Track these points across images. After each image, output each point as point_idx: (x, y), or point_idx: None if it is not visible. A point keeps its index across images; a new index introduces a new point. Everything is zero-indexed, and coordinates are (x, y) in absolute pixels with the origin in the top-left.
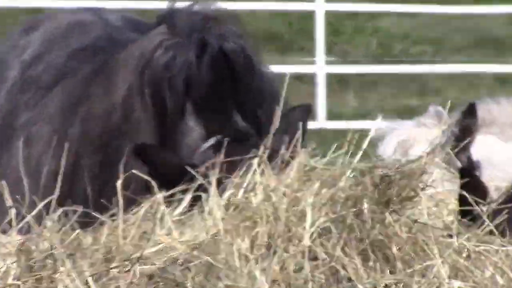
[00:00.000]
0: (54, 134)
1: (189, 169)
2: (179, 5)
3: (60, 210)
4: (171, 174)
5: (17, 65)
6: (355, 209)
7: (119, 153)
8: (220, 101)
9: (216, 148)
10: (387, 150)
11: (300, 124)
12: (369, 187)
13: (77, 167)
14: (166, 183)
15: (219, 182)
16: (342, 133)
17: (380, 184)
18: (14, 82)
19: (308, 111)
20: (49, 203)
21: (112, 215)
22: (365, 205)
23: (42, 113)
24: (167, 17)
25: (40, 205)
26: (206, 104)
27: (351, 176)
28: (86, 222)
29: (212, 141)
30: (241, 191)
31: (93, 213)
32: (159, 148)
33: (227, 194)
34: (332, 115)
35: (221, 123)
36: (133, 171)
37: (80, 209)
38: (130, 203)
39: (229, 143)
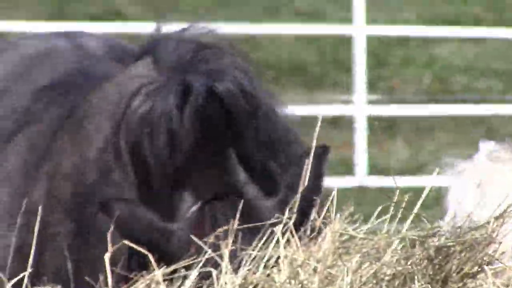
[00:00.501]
0: (13, 198)
1: (195, 239)
2: (171, 28)
3: None
4: (144, 236)
5: None
6: None
7: (96, 221)
8: (214, 156)
9: (207, 212)
10: (457, 198)
11: (317, 174)
12: (422, 261)
13: (45, 237)
14: (141, 247)
15: (233, 255)
16: (387, 192)
17: (435, 257)
18: None
19: (325, 155)
20: (20, 283)
21: None
22: (417, 284)
23: None
24: (152, 47)
25: (9, 285)
26: (195, 162)
27: (399, 247)
28: None
29: (199, 203)
30: (261, 266)
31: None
32: (130, 203)
33: (243, 270)
34: (375, 169)
35: (215, 183)
36: (125, 242)
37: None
38: (120, 282)
39: (222, 205)
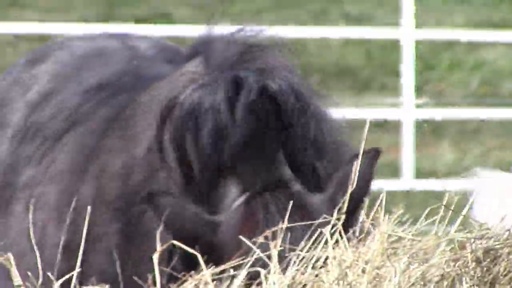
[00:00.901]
0: (62, 197)
1: (245, 239)
2: (220, 30)
3: None
4: (190, 229)
5: (20, 106)
6: None
7: (143, 221)
8: (262, 152)
9: (253, 205)
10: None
11: (367, 176)
12: (470, 263)
13: (91, 238)
14: (185, 241)
15: (281, 255)
16: (435, 195)
17: (483, 259)
18: (17, 129)
19: (376, 157)
20: (69, 282)
21: None
22: (465, 286)
23: (48, 170)
24: (202, 48)
25: (57, 284)
26: (243, 157)
27: (448, 249)
28: None
29: (246, 194)
30: (310, 266)
31: None
32: (176, 196)
33: (291, 270)
34: (422, 173)
35: (263, 177)
36: (173, 241)
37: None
38: (168, 283)
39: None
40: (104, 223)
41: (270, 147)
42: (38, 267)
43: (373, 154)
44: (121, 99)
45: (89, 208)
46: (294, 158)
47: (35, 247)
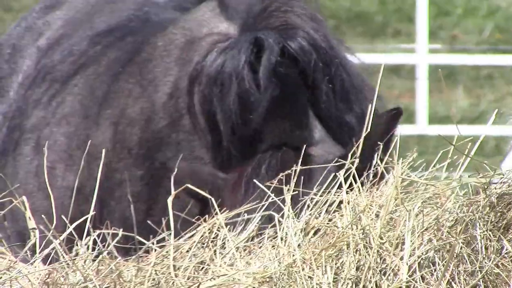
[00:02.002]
0: (71, 139)
1: (257, 183)
2: None
3: (96, 233)
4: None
5: (32, 52)
6: (465, 235)
7: (166, 167)
8: (290, 114)
9: (274, 159)
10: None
11: (389, 133)
12: (484, 208)
13: (110, 182)
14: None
15: (295, 200)
16: (448, 140)
17: (497, 204)
18: (28, 74)
19: (397, 117)
20: (79, 226)
21: (161, 240)
22: (478, 231)
23: (57, 111)
24: None
25: (71, 227)
26: (269, 121)
27: (461, 194)
28: (127, 249)
29: (270, 151)
30: (323, 211)
31: (137, 237)
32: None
33: (305, 215)
34: (436, 118)
35: (289, 137)
36: (188, 185)
37: (120, 232)
38: (184, 226)
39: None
40: (124, 170)
41: (297, 109)
42: (44, 207)
43: (394, 114)
44: (131, 42)
45: (103, 152)
46: (324, 114)
47: (48, 188)
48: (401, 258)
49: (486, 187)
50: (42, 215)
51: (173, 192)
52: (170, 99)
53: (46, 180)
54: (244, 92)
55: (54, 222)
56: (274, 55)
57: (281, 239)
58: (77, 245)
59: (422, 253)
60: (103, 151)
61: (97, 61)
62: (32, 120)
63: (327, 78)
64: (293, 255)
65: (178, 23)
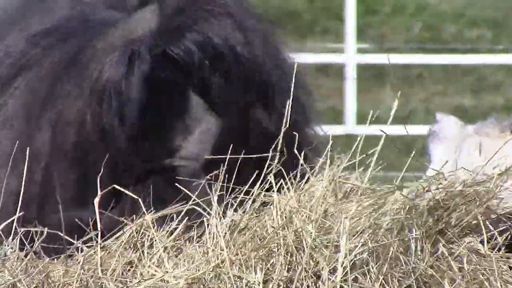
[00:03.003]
0: (14, 142)
1: (182, 188)
2: None
3: (21, 232)
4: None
5: None
6: (400, 237)
7: (97, 169)
8: (164, 123)
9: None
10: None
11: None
12: (421, 211)
13: (48, 186)
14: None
15: (223, 199)
16: (376, 140)
17: (435, 208)
18: None
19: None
20: (11, 226)
21: (89, 240)
22: (414, 233)
23: None
24: None
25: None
26: (145, 130)
27: (401, 197)
28: (57, 250)
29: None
30: (253, 210)
31: (65, 237)
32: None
33: (234, 213)
34: (363, 118)
35: (159, 153)
36: (115, 186)
37: (45, 231)
38: (112, 226)
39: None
40: (60, 174)
41: (174, 116)
42: None
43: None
44: (72, 44)
45: (43, 155)
46: (219, 103)
47: None
48: (336, 260)
49: (424, 191)
50: None
51: (99, 193)
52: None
53: None
54: (121, 102)
55: None
56: (144, 63)
57: (210, 238)
58: (5, 245)
59: (356, 255)
60: (33, 154)
61: (39, 63)
62: None
63: (220, 71)
64: (222, 256)
65: (119, 25)
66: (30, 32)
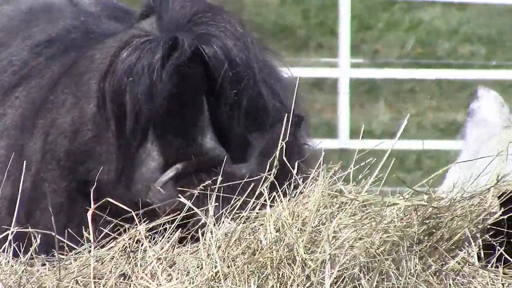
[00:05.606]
0: (10, 151)
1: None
2: None
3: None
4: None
5: None
6: (392, 255)
7: (89, 179)
8: (188, 115)
9: (178, 180)
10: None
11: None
12: (412, 227)
13: (38, 193)
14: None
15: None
16: (370, 155)
17: (426, 224)
18: None
19: (299, 123)
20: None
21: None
22: (406, 248)
23: None
24: (157, 4)
25: None
26: (167, 122)
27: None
28: (50, 260)
29: (170, 173)
30: (247, 225)
31: (58, 247)
32: (110, 185)
33: (228, 227)
34: (357, 132)
35: (183, 148)
36: (108, 199)
37: (37, 241)
38: (105, 238)
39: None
40: (51, 181)
41: (197, 112)
42: None
43: (296, 121)
44: (73, 55)
45: (33, 162)
46: (223, 126)
47: None
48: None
49: (416, 207)
50: None
51: (92, 205)
52: (98, 111)
53: None
54: (151, 83)
55: None
56: (184, 54)
57: (204, 251)
58: None
59: (346, 270)
60: (25, 162)
61: (41, 74)
62: None
63: (235, 92)
64: (216, 268)
65: (117, 36)
66: (34, 41)
